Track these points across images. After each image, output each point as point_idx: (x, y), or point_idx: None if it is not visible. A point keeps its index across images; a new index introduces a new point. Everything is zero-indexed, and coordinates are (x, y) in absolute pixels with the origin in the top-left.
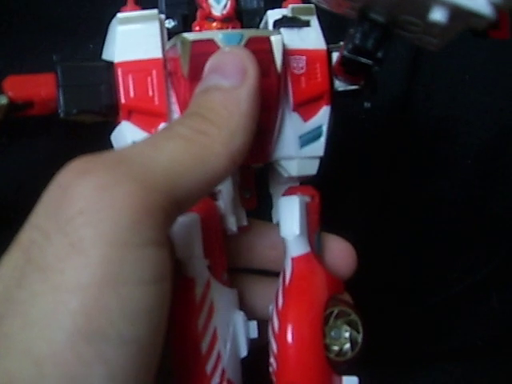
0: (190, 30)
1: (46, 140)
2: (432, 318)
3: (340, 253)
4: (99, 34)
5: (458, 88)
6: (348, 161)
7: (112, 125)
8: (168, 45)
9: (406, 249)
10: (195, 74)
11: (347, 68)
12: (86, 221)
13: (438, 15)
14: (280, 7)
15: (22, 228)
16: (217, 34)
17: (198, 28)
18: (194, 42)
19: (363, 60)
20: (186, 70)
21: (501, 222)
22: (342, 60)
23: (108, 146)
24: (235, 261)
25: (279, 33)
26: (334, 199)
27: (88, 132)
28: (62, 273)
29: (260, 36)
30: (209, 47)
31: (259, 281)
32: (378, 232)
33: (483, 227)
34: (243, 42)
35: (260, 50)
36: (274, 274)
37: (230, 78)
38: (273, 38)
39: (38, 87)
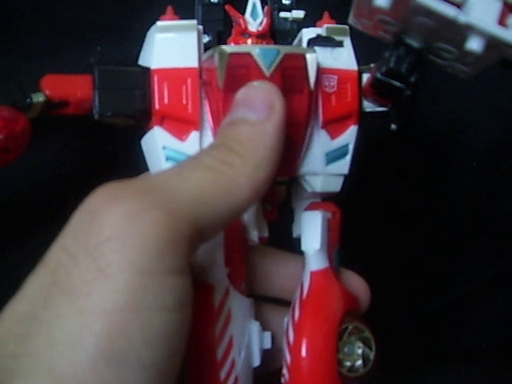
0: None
1: (56, 141)
2: (436, 320)
3: (355, 289)
4: (107, 36)
5: (463, 91)
6: (358, 159)
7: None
8: (205, 56)
9: (410, 251)
10: (230, 85)
11: (378, 90)
12: (113, 247)
13: (474, 45)
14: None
15: (29, 228)
16: (254, 48)
17: (232, 43)
18: (232, 54)
19: (396, 83)
20: (221, 81)
21: (506, 224)
22: (374, 82)
23: (116, 148)
24: (252, 287)
25: (314, 51)
26: (344, 194)
27: (98, 135)
28: (88, 296)
29: (295, 53)
30: (246, 60)
31: (274, 310)
32: (384, 234)
33: (488, 229)
34: (279, 58)
35: (295, 66)
36: (289, 303)
37: (257, 111)
38: (308, 56)
39: (74, 87)
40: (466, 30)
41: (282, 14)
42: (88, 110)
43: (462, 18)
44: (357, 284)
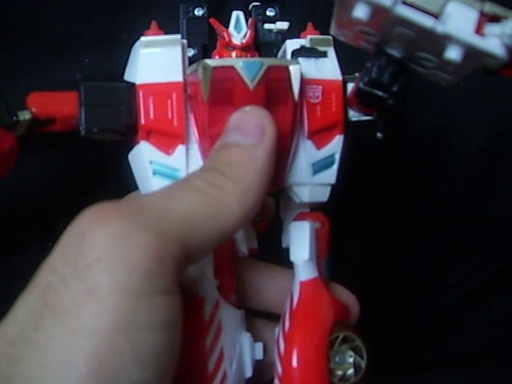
0: (209, 58)
1: (44, 156)
2: (431, 324)
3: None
4: (95, 49)
5: (453, 94)
6: (346, 168)
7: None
8: (189, 70)
9: (404, 254)
10: (215, 98)
11: (362, 99)
12: (102, 268)
13: (453, 54)
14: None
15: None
16: (237, 62)
17: (217, 57)
18: (216, 68)
19: (378, 93)
20: (206, 94)
21: (499, 226)
22: (358, 91)
23: (105, 163)
24: (243, 301)
25: (298, 62)
26: (333, 203)
27: (87, 149)
28: (78, 318)
29: (279, 65)
30: (229, 74)
31: (265, 321)
32: (377, 238)
33: (481, 232)
34: (263, 70)
35: (279, 78)
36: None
37: (249, 136)
38: (291, 68)
39: (60, 104)
40: (444, 40)
41: (267, 26)
42: (75, 126)
43: (440, 28)
44: (346, 298)
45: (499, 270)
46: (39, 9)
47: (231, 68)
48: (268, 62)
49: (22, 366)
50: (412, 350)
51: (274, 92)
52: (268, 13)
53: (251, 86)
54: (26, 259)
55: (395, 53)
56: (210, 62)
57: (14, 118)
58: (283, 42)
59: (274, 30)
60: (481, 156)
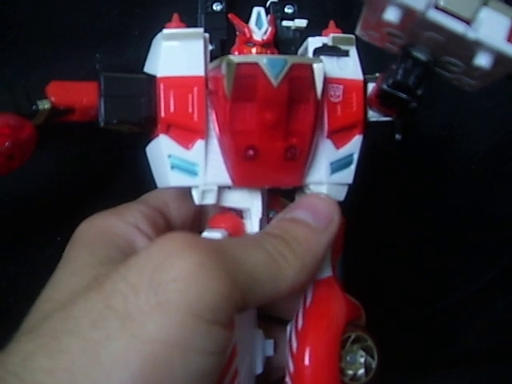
0: (227, 54)
1: (56, 149)
2: (437, 323)
3: None
4: (105, 43)
5: (461, 95)
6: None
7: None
8: (211, 65)
9: (409, 254)
10: (238, 95)
11: (384, 100)
12: (177, 288)
13: (483, 60)
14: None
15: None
16: (262, 58)
17: (236, 52)
18: (239, 64)
19: (402, 95)
20: (229, 90)
21: (505, 226)
22: (380, 92)
23: (119, 156)
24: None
25: (321, 61)
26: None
27: (100, 142)
28: (143, 324)
29: (303, 63)
30: (253, 70)
31: (274, 324)
32: (382, 237)
33: (488, 232)
34: (286, 68)
35: (302, 76)
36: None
37: (319, 221)
38: (315, 66)
39: (80, 94)
40: (474, 46)
41: (285, 23)
42: (93, 116)
43: (471, 34)
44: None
45: (505, 269)
46: (51, 4)
47: (255, 65)
48: (292, 59)
49: (66, 360)
50: (417, 349)
51: (296, 90)
52: (286, 10)
53: (275, 83)
54: (36, 253)
55: (421, 56)
56: (234, 57)
57: (34, 107)
58: (301, 39)
59: (292, 28)
60: (489, 156)
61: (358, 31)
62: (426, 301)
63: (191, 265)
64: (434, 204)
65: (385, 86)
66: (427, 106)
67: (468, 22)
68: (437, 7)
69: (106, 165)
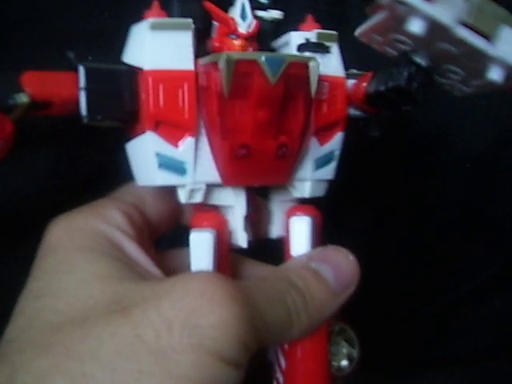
0: (204, 44)
1: (47, 152)
2: (434, 321)
3: None
4: (98, 46)
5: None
6: (347, 166)
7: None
8: (204, 60)
9: (406, 253)
10: (236, 92)
11: (373, 100)
12: (213, 335)
13: (495, 75)
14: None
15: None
16: (260, 56)
17: (217, 44)
18: (239, 61)
19: (401, 99)
20: (227, 88)
21: (501, 224)
22: (374, 93)
23: (110, 158)
24: None
25: (316, 59)
26: (332, 204)
27: (90, 145)
28: (177, 363)
29: (299, 61)
30: (251, 68)
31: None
32: (378, 236)
33: (484, 230)
34: (284, 66)
35: (297, 74)
36: None
37: (339, 284)
38: (310, 64)
39: (58, 86)
40: (488, 61)
41: (259, 13)
42: (73, 110)
43: (491, 51)
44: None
45: (501, 268)
46: (41, 6)
47: (253, 62)
48: (289, 57)
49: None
50: (414, 347)
51: (291, 88)
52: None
53: (273, 81)
54: (30, 255)
55: (422, 62)
56: (233, 54)
57: (11, 101)
58: (275, 31)
59: (269, 19)
60: (483, 155)
61: (357, 32)
62: (422, 300)
63: (230, 315)
64: (429, 203)
65: (382, 88)
66: (421, 105)
67: (487, 38)
68: (463, 23)
69: (101, 166)
